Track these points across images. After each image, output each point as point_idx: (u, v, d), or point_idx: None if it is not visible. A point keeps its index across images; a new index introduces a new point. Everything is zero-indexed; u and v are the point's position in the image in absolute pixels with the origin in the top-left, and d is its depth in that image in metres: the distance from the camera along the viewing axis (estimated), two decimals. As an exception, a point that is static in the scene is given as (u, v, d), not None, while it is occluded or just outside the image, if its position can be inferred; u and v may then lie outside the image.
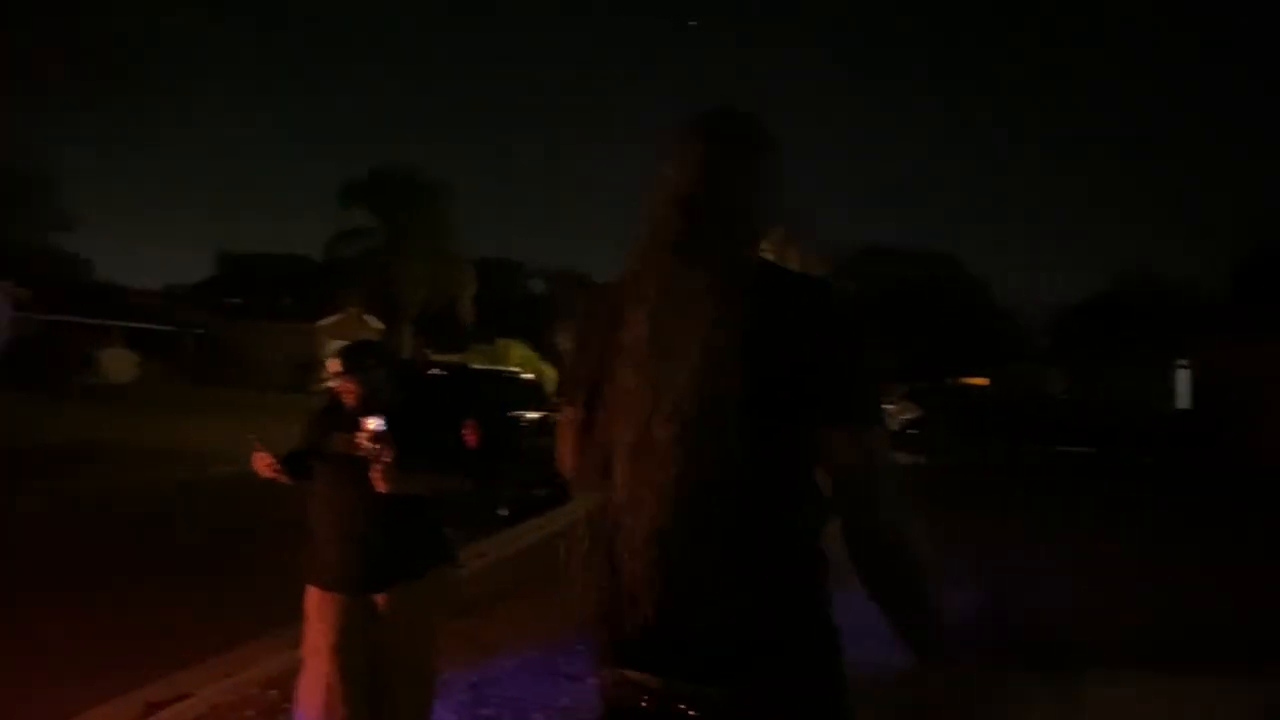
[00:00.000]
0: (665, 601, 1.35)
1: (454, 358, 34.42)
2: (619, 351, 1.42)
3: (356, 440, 2.91)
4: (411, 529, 3.03)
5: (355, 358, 3.15)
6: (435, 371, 10.98)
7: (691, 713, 1.35)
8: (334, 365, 3.16)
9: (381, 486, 2.86)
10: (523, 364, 39.18)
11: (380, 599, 2.99)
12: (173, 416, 18.74)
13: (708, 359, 1.33)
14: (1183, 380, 24.65)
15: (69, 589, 6.01)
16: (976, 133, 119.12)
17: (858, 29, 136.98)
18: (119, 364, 26.96)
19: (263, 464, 3.13)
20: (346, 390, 3.12)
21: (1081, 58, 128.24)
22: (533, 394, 12.30)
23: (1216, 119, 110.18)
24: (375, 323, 36.69)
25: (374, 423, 2.88)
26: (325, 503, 3.08)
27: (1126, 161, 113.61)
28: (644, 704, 1.39)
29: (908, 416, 23.89)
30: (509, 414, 10.73)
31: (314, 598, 3.03)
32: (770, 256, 1.55)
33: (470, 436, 9.47)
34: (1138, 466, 17.38)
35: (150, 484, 10.99)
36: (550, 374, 43.09)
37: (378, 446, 2.87)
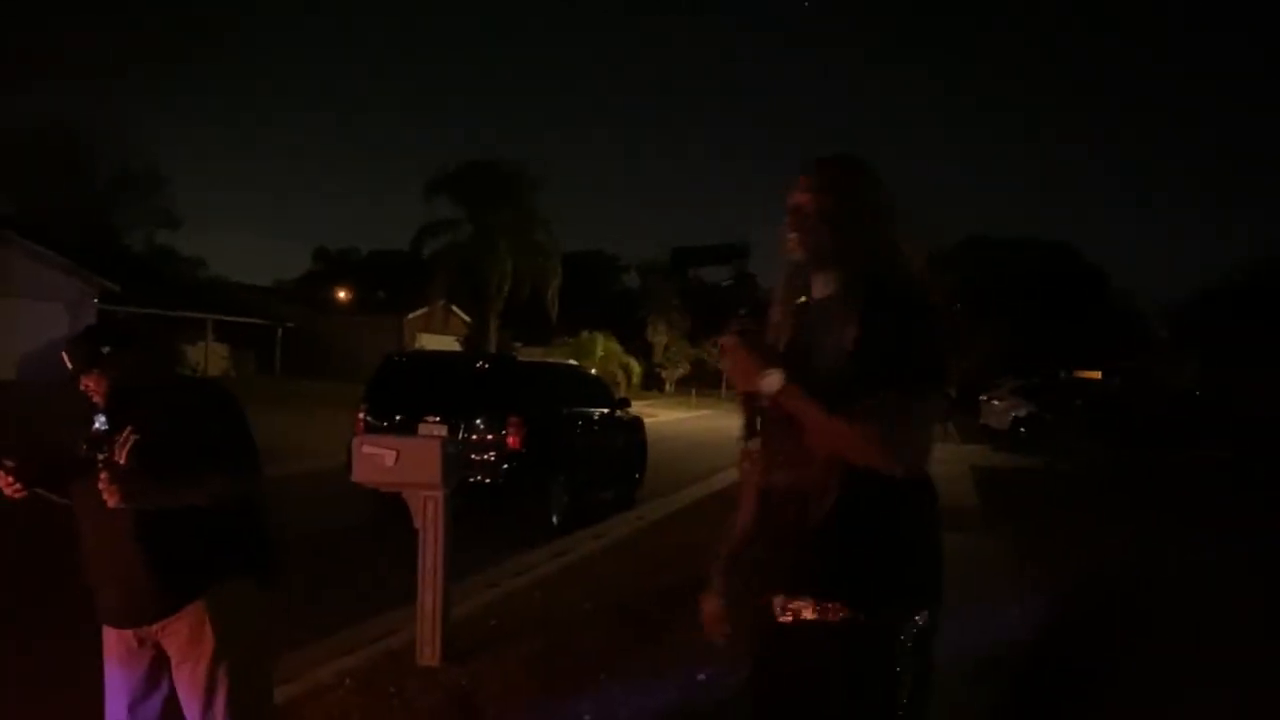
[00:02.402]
0: None
1: (537, 351, 34.01)
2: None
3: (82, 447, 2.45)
4: (178, 546, 2.47)
5: (82, 349, 2.53)
6: (480, 365, 10.08)
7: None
8: (67, 363, 2.55)
9: (109, 500, 2.28)
10: (606, 357, 38.55)
11: (154, 630, 2.52)
12: (265, 409, 18.63)
13: None
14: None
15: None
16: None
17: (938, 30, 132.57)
18: (209, 357, 27.29)
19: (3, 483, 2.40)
20: (91, 388, 2.54)
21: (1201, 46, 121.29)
22: (597, 390, 11.26)
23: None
24: (462, 315, 36.49)
25: (96, 422, 2.47)
26: (81, 525, 2.56)
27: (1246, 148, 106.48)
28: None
29: (1019, 413, 22.03)
30: (566, 411, 9.73)
31: (106, 637, 2.61)
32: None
33: (512, 437, 8.63)
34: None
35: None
36: (636, 367, 42.50)
37: (97, 454, 2.40)
